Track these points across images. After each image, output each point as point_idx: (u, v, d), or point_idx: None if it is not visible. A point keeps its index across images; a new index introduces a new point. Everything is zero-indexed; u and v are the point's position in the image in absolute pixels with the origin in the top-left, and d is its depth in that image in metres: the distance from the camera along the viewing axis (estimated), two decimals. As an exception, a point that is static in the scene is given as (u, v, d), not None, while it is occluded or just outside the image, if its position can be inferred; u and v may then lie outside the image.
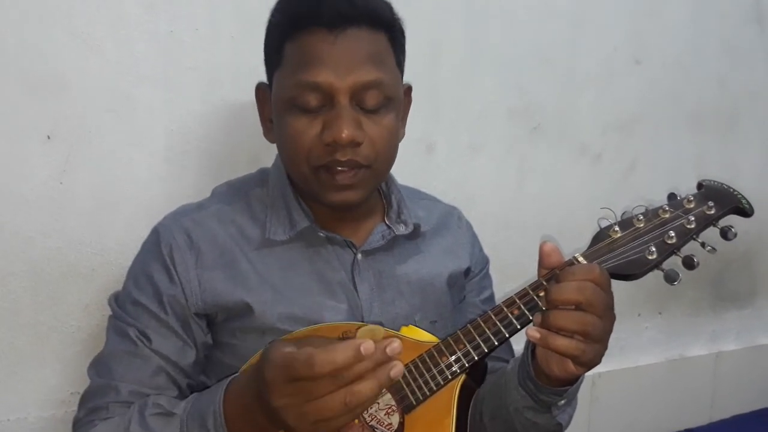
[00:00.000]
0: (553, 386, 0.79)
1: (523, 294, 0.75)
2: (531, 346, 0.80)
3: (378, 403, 0.78)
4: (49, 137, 1.06)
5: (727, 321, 1.73)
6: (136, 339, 0.85)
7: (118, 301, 0.91)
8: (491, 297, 1.07)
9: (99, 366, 0.87)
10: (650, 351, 1.63)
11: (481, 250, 1.08)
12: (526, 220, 1.44)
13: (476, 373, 0.77)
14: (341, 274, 0.91)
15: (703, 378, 1.68)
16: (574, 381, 0.79)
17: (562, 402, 0.81)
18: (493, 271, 1.10)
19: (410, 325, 0.81)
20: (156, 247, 0.89)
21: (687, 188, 0.82)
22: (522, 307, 0.74)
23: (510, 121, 1.42)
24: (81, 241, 1.10)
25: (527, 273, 0.86)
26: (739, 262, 1.71)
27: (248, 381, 0.69)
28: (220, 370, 0.88)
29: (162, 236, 0.90)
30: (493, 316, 0.75)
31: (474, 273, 1.04)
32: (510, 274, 1.26)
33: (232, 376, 0.74)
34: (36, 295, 1.08)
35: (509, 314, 0.75)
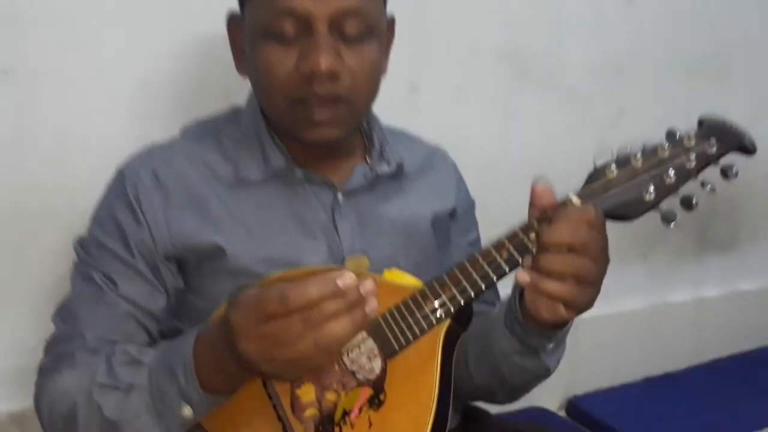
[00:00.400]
0: (541, 330, 0.76)
1: (512, 236, 0.71)
2: (519, 290, 0.77)
3: (359, 348, 0.75)
4: (6, 72, 0.99)
5: (710, 267, 1.72)
6: (101, 283, 0.80)
7: (82, 245, 0.86)
8: (477, 240, 1.04)
9: (64, 313, 0.83)
10: (633, 296, 1.62)
11: (467, 191, 1.04)
12: (512, 166, 1.39)
13: (462, 318, 0.74)
14: (320, 214, 0.86)
15: (685, 323, 1.69)
16: (563, 325, 0.76)
17: (551, 346, 0.79)
18: (477, 218, 1.06)
19: (393, 269, 0.77)
20: (121, 188, 0.84)
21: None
22: (511, 249, 0.71)
23: (497, 63, 1.37)
24: (44, 184, 1.04)
25: (511, 220, 0.81)
26: (725, 207, 1.70)
27: (218, 328, 0.65)
28: (194, 315, 0.84)
29: (127, 176, 0.84)
30: (480, 259, 0.72)
31: (460, 215, 1.00)
32: (494, 222, 1.21)
33: (204, 325, 0.71)
34: (-2, 241, 1.02)
35: (497, 257, 0.71)
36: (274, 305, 0.58)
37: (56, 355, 0.80)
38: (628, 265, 1.61)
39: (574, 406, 1.47)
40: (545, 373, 0.83)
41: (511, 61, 1.38)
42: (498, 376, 0.85)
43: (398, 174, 0.93)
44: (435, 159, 1.02)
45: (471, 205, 1.05)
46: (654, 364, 1.61)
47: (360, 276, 0.59)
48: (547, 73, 1.42)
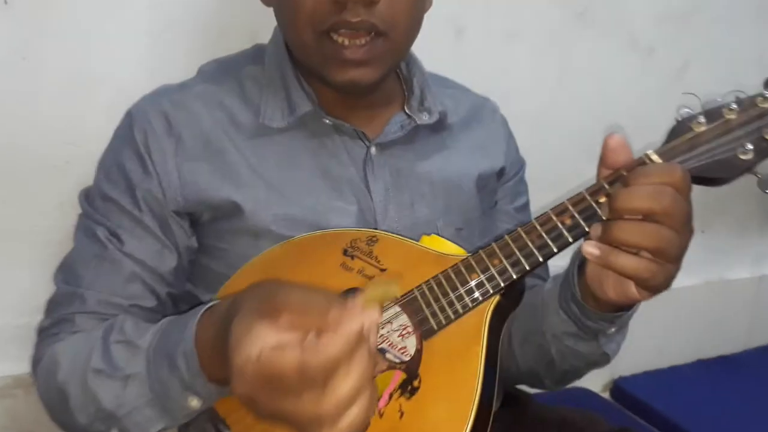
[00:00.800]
0: (603, 311, 0.65)
1: (578, 200, 0.60)
2: (579, 262, 0.66)
3: (391, 323, 0.65)
4: (5, 2, 0.89)
5: (775, 242, 1.59)
6: (105, 240, 0.72)
7: (87, 197, 0.78)
8: (526, 205, 0.93)
9: (65, 271, 0.75)
10: (689, 272, 1.48)
11: (517, 150, 0.93)
12: (566, 121, 1.27)
13: (512, 295, 0.63)
14: (351, 170, 0.76)
15: (743, 302, 1.57)
16: (630, 307, 0.65)
17: (612, 330, 0.68)
18: (527, 181, 0.95)
19: (433, 235, 0.67)
20: (129, 133, 0.74)
21: (751, 88, 0.65)
22: (576, 215, 0.59)
23: (553, 6, 1.23)
24: (52, 129, 0.95)
25: (564, 185, 0.74)
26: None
27: (221, 326, 0.53)
28: (208, 279, 0.76)
29: (136, 120, 0.75)
30: (538, 227, 0.60)
31: (508, 175, 0.89)
32: (543, 185, 1.10)
33: (209, 304, 0.60)
34: (3, 192, 0.94)
35: (559, 224, 0.60)
36: (290, 378, 0.44)
37: (56, 318, 0.73)
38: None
39: (618, 388, 1.38)
40: (603, 359, 0.73)
41: (568, 3, 1.24)
42: (546, 360, 0.75)
43: (440, 126, 0.82)
44: (483, 111, 0.90)
45: (521, 165, 0.93)
46: (707, 346, 1.50)
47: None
48: (608, 18, 1.28)
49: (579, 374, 0.78)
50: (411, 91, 0.82)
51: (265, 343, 0.45)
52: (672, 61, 1.37)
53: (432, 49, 0.87)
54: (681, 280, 1.52)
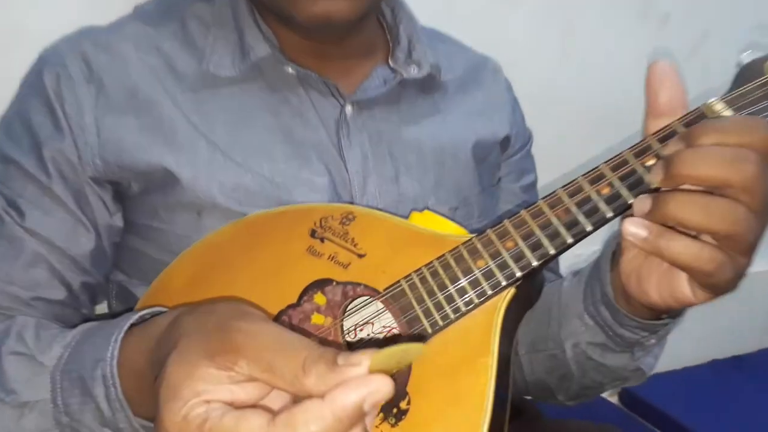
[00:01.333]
0: (642, 317, 0.51)
1: (619, 162, 0.45)
2: (612, 253, 0.51)
3: (371, 324, 0.51)
4: None
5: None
6: (2, 212, 0.57)
7: (-13, 160, 0.62)
8: (534, 185, 0.79)
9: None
10: None
11: (523, 118, 0.78)
12: (571, 94, 1.15)
13: (529, 289, 0.48)
14: (320, 133, 0.61)
15: (763, 297, 1.44)
16: (679, 312, 0.51)
17: (653, 341, 0.54)
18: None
19: (426, 210, 0.52)
20: (37, 79, 0.59)
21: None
22: (617, 183, 0.45)
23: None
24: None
25: (568, 164, 0.66)
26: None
27: (149, 360, 0.40)
28: (142, 267, 0.61)
29: (47, 63, 0.59)
30: (566, 198, 0.46)
31: (514, 148, 0.75)
32: (545, 164, 0.98)
33: (140, 313, 0.46)
34: None
35: (593, 195, 0.45)
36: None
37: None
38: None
39: (628, 392, 1.24)
40: (636, 375, 0.58)
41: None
42: (561, 372, 0.61)
43: (432, 84, 0.67)
44: (484, 72, 0.76)
45: (529, 137, 0.79)
46: (721, 346, 1.38)
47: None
48: (620, -21, 1.16)
49: (601, 390, 0.64)
50: (396, 40, 0.67)
51: (211, 406, 0.32)
52: (689, 29, 1.25)
53: (421, 14, 0.73)
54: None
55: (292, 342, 0.33)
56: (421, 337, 0.46)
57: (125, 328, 0.45)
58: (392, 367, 0.32)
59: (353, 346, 0.51)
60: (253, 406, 0.34)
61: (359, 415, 0.30)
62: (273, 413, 0.32)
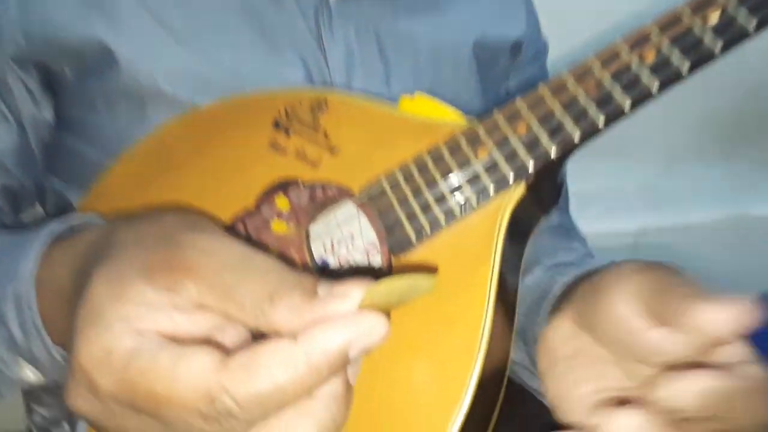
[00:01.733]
0: None
1: (670, 19, 0.35)
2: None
3: (352, 238, 0.42)
4: None
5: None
6: None
7: None
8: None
9: None
10: (708, 205, 1.34)
11: (538, 24, 0.67)
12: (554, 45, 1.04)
13: (544, 189, 0.39)
14: (296, 20, 0.51)
15: (766, 241, 1.39)
16: None
17: None
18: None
19: (418, 94, 0.42)
20: None
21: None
22: (667, 46, 0.35)
23: None
24: None
25: None
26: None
27: (88, 259, 0.30)
28: (78, 170, 0.51)
29: None
30: (596, 68, 0.36)
31: (526, 56, 0.64)
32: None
33: (67, 222, 0.37)
34: None
35: (635, 61, 0.35)
36: (184, 412, 0.23)
37: None
38: (706, 165, 1.31)
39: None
40: None
41: None
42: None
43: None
44: None
45: (543, 45, 0.68)
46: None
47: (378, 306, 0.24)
48: None
49: None
50: None
51: (144, 338, 0.24)
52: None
53: None
54: (699, 213, 1.36)
55: (257, 263, 0.25)
56: (404, 240, 0.37)
57: (47, 239, 0.35)
58: (391, 305, 0.24)
59: (326, 272, 0.42)
60: (201, 342, 0.25)
61: (341, 364, 0.23)
62: (226, 353, 0.24)
